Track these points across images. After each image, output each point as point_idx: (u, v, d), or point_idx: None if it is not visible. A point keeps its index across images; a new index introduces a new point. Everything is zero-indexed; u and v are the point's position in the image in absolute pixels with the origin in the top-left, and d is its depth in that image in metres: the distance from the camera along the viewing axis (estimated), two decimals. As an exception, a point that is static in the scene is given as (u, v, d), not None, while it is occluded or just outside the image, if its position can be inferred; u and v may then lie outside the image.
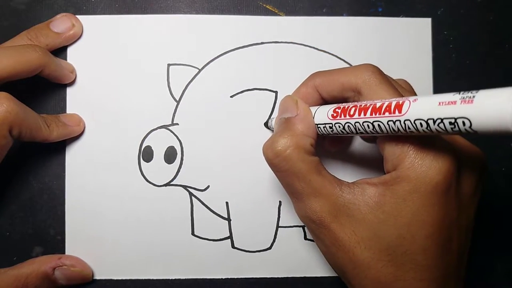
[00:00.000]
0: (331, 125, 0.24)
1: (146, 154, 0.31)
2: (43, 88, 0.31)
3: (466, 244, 0.24)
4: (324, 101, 0.26)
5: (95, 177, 0.31)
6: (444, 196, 0.21)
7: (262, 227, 0.31)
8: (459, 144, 0.25)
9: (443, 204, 0.22)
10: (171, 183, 0.31)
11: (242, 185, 0.31)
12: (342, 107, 0.23)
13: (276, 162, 0.24)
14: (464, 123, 0.17)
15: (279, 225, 0.31)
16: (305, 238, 0.31)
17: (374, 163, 0.31)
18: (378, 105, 0.21)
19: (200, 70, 0.31)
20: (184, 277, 0.31)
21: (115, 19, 0.31)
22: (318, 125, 0.25)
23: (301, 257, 0.31)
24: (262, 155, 0.24)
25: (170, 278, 0.31)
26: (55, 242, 0.31)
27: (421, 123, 0.19)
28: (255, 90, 0.31)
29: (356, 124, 0.22)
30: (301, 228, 0.31)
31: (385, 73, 0.25)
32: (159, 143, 0.31)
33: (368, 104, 0.22)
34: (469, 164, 0.23)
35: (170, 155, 0.31)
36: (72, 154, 0.31)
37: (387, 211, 0.22)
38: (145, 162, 0.31)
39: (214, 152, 0.31)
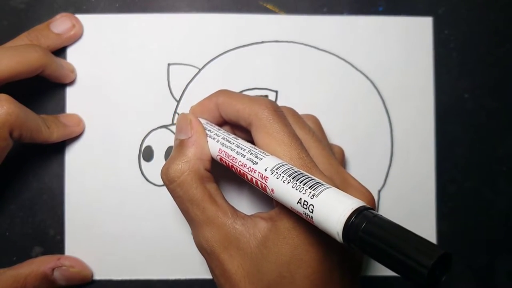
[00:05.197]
0: (219, 159, 0.24)
1: (147, 154, 0.31)
2: (43, 88, 0.31)
3: (353, 286, 0.24)
4: (224, 121, 0.26)
5: (95, 177, 0.31)
6: (324, 235, 0.20)
7: (263, 227, 0.31)
8: (347, 183, 0.24)
9: (324, 245, 0.22)
10: (171, 183, 0.31)
11: (241, 185, 0.31)
12: (224, 159, 0.24)
13: (171, 187, 0.24)
14: (308, 215, 0.19)
15: (280, 225, 0.31)
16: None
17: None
18: (249, 177, 0.22)
19: (200, 70, 0.31)
20: (184, 277, 0.31)
21: (115, 18, 0.31)
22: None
23: (301, 257, 0.31)
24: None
25: (170, 278, 0.31)
26: (54, 242, 0.31)
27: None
28: (255, 90, 0.31)
29: (237, 174, 0.23)
30: (301, 228, 0.31)
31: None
32: (160, 143, 0.31)
33: (242, 172, 0.22)
34: None
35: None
36: (72, 154, 0.31)
37: (269, 247, 0.22)
38: (145, 162, 0.31)
39: (214, 151, 0.31)
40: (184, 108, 0.31)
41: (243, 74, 0.31)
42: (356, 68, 0.32)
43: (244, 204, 0.31)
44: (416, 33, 0.32)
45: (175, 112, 0.31)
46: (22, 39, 0.29)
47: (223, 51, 0.31)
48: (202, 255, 0.24)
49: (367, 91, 0.32)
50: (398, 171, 0.32)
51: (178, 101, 0.31)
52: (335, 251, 0.22)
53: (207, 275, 0.31)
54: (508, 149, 0.32)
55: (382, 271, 0.31)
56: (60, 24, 0.30)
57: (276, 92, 0.31)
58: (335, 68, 0.32)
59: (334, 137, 0.31)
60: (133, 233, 0.31)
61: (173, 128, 0.31)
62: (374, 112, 0.32)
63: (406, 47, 0.32)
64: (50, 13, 0.31)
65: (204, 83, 0.31)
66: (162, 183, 0.31)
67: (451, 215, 0.32)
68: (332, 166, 0.24)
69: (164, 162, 0.31)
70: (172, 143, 0.31)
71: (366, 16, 0.32)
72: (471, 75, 0.32)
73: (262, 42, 0.31)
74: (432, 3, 0.32)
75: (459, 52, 0.32)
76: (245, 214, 0.24)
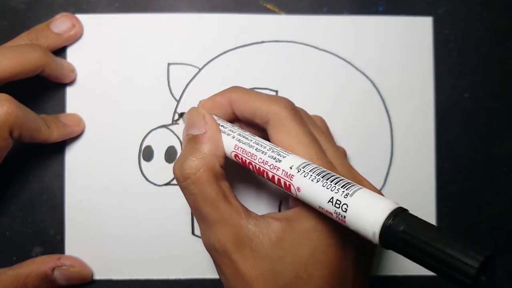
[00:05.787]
0: (234, 156, 0.24)
1: (147, 154, 0.31)
2: (43, 88, 0.31)
3: (363, 284, 0.24)
4: (237, 117, 0.26)
5: (95, 177, 0.31)
6: (343, 237, 0.20)
7: (263, 227, 0.31)
8: (360, 184, 0.24)
9: (341, 245, 0.22)
10: (172, 182, 0.31)
11: (242, 185, 0.31)
12: (240, 156, 0.23)
13: (185, 184, 0.23)
14: (341, 215, 0.19)
15: (280, 225, 0.31)
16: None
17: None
18: (270, 175, 0.22)
19: (200, 69, 0.31)
20: (184, 277, 0.31)
21: (115, 18, 0.31)
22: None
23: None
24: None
25: (170, 278, 0.31)
26: (54, 242, 0.31)
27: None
28: (255, 90, 0.31)
29: (255, 171, 0.23)
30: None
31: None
32: (160, 143, 0.31)
33: (262, 169, 0.22)
34: None
35: (170, 155, 0.31)
36: (72, 154, 0.31)
37: (286, 247, 0.22)
38: (145, 162, 0.31)
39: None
40: (184, 108, 0.31)
41: (243, 74, 0.31)
42: (356, 68, 0.32)
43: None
44: (416, 33, 0.32)
45: (175, 112, 0.31)
46: (22, 39, 0.29)
47: (223, 51, 0.31)
48: (211, 254, 0.24)
49: (367, 91, 0.32)
50: (398, 171, 0.32)
51: (178, 101, 0.31)
52: (350, 252, 0.22)
53: (207, 275, 0.31)
54: (508, 149, 0.32)
55: (384, 271, 0.31)
56: (60, 24, 0.30)
57: (276, 92, 0.31)
58: (335, 68, 0.32)
59: (334, 137, 0.31)
60: (133, 233, 0.31)
61: (173, 128, 0.31)
62: (374, 112, 0.32)
63: (406, 47, 0.32)
64: (50, 13, 0.31)
65: (204, 83, 0.31)
66: (162, 183, 0.31)
67: (451, 215, 0.32)
68: (344, 167, 0.24)
69: (164, 162, 0.31)
70: (172, 143, 0.31)
71: (366, 16, 0.32)
72: (471, 75, 0.32)
73: (262, 42, 0.31)
74: (432, 3, 0.32)
75: (459, 52, 0.32)
76: (257, 215, 0.23)
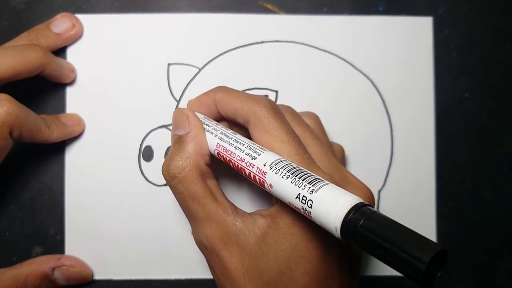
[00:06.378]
0: (217, 154, 0.24)
1: (147, 154, 0.31)
2: (43, 88, 0.31)
3: (352, 284, 0.24)
4: (222, 117, 0.26)
5: (95, 177, 0.31)
6: (324, 233, 0.20)
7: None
8: (346, 180, 0.24)
9: (322, 241, 0.22)
10: (171, 182, 0.31)
11: (241, 185, 0.31)
12: (222, 154, 0.24)
13: (172, 184, 0.23)
14: (307, 210, 0.19)
15: (280, 225, 0.31)
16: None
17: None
18: (247, 172, 0.22)
19: (200, 70, 0.31)
20: (184, 277, 0.31)
21: (115, 18, 0.31)
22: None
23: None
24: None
25: (170, 278, 0.31)
26: (54, 242, 0.31)
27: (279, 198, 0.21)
28: (255, 89, 0.31)
29: (235, 168, 0.23)
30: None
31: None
32: (160, 143, 0.31)
33: (240, 166, 0.22)
34: None
35: (170, 155, 0.31)
36: (72, 154, 0.31)
37: (269, 243, 0.22)
38: (145, 162, 0.31)
39: (214, 151, 0.31)
40: (184, 108, 0.31)
41: (243, 74, 0.31)
42: (356, 68, 0.32)
43: (243, 202, 0.31)
44: (416, 33, 0.32)
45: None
46: (22, 39, 0.29)
47: (223, 51, 0.31)
48: (202, 252, 0.24)
49: (367, 91, 0.32)
50: (398, 171, 0.32)
51: (178, 101, 0.31)
52: (334, 247, 0.22)
53: (207, 275, 0.31)
54: (508, 149, 0.32)
55: (382, 271, 0.31)
56: (60, 24, 0.30)
57: (276, 92, 0.31)
58: (335, 68, 0.32)
59: (334, 137, 0.31)
60: (133, 233, 0.31)
61: (173, 128, 0.31)
62: (374, 112, 0.32)
63: (406, 47, 0.32)
64: (50, 13, 0.31)
65: (204, 83, 0.31)
66: (162, 183, 0.31)
67: (451, 215, 0.32)
68: (331, 163, 0.24)
69: (164, 162, 0.31)
70: (172, 143, 0.31)
71: (366, 16, 0.32)
72: (471, 75, 0.32)
73: (262, 42, 0.31)
74: (432, 3, 0.32)
75: (459, 52, 0.32)
76: (244, 212, 0.24)
